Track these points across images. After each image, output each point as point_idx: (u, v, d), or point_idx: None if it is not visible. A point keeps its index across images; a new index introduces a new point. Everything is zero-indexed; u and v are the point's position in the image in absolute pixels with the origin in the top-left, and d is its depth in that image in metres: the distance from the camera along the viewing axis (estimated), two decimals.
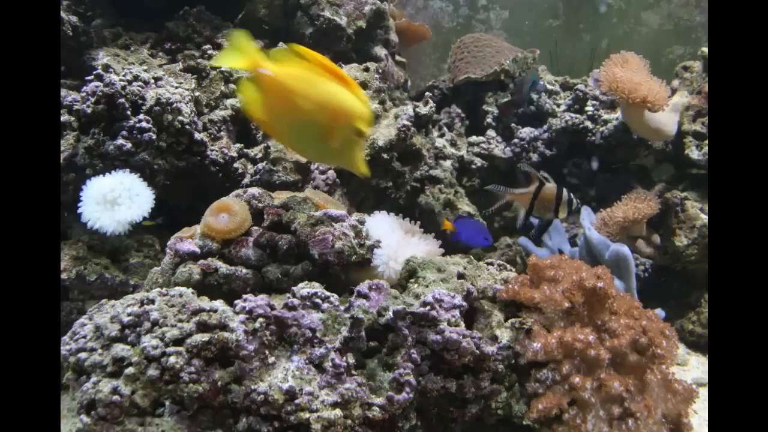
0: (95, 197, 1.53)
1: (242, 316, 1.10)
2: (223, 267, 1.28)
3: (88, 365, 1.06)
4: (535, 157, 2.30)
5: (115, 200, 1.54)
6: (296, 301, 1.14)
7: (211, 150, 1.81)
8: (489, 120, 2.38)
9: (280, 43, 2.04)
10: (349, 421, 1.05)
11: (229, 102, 1.98)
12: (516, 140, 2.32)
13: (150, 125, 1.64)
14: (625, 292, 1.32)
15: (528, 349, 1.15)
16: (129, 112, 1.64)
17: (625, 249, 1.55)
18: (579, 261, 1.29)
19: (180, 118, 1.69)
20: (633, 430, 1.07)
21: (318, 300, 1.15)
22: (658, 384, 1.13)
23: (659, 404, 1.12)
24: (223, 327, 1.08)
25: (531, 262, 1.29)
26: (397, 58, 2.56)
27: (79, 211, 1.54)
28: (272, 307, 1.12)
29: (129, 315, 1.09)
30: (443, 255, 1.48)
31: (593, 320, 1.17)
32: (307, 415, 1.02)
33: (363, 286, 1.20)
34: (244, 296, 1.15)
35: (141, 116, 1.65)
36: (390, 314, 1.14)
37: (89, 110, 1.63)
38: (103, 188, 1.54)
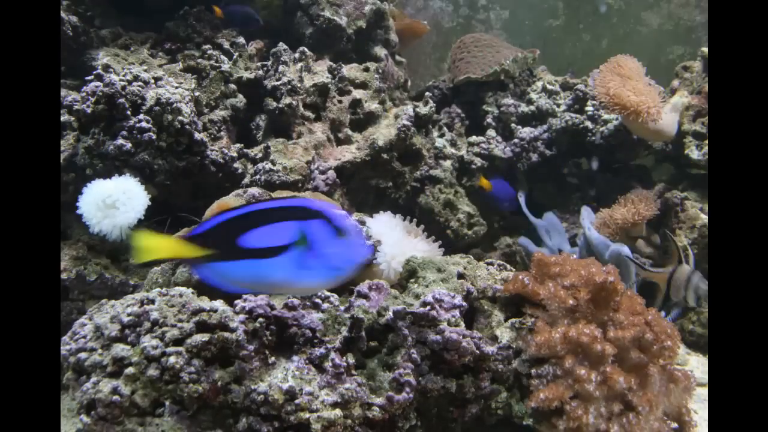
0: (95, 201, 1.54)
1: (242, 316, 1.10)
2: None
3: (88, 365, 1.06)
4: (535, 157, 2.30)
5: (113, 204, 1.55)
6: (296, 301, 1.14)
7: (211, 150, 1.81)
8: (489, 120, 2.38)
9: (280, 43, 2.05)
10: (349, 421, 1.05)
11: (229, 102, 1.98)
12: (516, 140, 2.32)
13: (150, 125, 1.64)
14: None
15: (530, 344, 1.15)
16: (129, 112, 1.64)
17: (625, 249, 1.55)
18: (587, 259, 1.29)
19: (180, 118, 1.69)
20: (633, 424, 1.07)
21: (318, 300, 1.16)
22: (659, 377, 1.13)
23: (661, 398, 1.12)
24: (224, 327, 1.08)
25: (536, 258, 1.29)
26: (397, 58, 2.57)
27: (79, 212, 1.54)
28: (272, 307, 1.12)
29: (129, 315, 1.09)
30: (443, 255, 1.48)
31: (598, 318, 1.17)
32: (307, 415, 1.02)
33: (363, 286, 1.20)
34: (244, 296, 1.15)
35: (141, 116, 1.65)
36: (390, 314, 1.14)
37: (89, 110, 1.63)
38: (102, 192, 1.55)
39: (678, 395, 1.16)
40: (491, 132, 2.36)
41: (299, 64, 2.07)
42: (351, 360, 1.11)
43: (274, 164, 1.82)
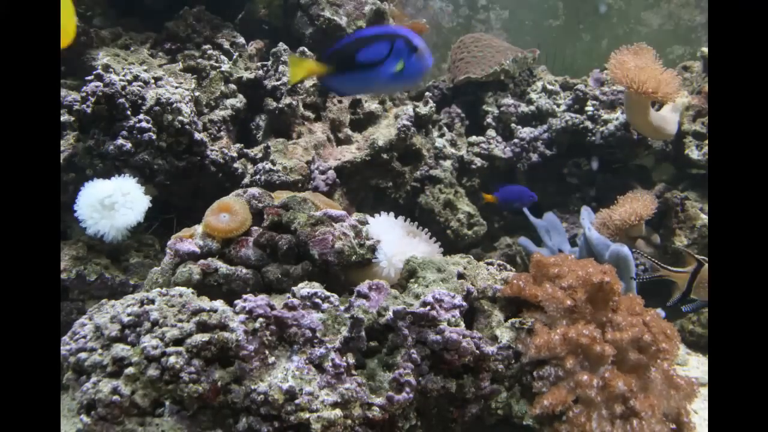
0: (92, 201, 1.54)
1: (242, 316, 1.10)
2: (223, 267, 1.28)
3: (88, 365, 1.06)
4: (535, 157, 2.30)
5: (112, 205, 1.55)
6: (296, 301, 1.14)
7: (211, 150, 1.81)
8: (489, 120, 2.38)
9: (280, 43, 2.04)
10: (349, 421, 1.05)
11: (229, 102, 1.98)
12: (516, 140, 2.32)
13: (150, 125, 1.64)
14: (626, 292, 1.32)
15: (530, 346, 1.15)
16: (129, 112, 1.64)
17: (625, 249, 1.55)
18: (585, 259, 1.29)
19: (180, 118, 1.69)
20: (638, 430, 1.07)
21: (318, 300, 1.15)
22: (660, 381, 1.13)
23: (662, 402, 1.12)
24: (223, 327, 1.08)
25: (535, 259, 1.29)
26: None
27: (76, 214, 1.55)
28: (272, 307, 1.12)
29: (129, 315, 1.09)
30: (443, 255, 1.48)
31: (596, 318, 1.17)
32: (307, 415, 1.02)
33: (363, 286, 1.20)
34: (244, 296, 1.15)
35: (141, 116, 1.65)
36: (390, 314, 1.14)
37: (89, 110, 1.63)
38: (101, 193, 1.54)
39: (678, 400, 1.15)
40: (491, 132, 2.36)
41: None
42: (351, 360, 1.11)
43: (274, 164, 1.82)
